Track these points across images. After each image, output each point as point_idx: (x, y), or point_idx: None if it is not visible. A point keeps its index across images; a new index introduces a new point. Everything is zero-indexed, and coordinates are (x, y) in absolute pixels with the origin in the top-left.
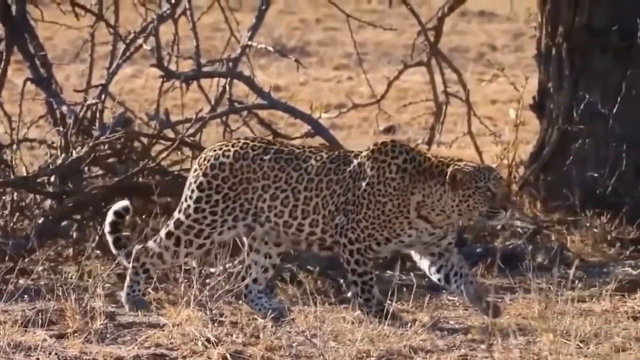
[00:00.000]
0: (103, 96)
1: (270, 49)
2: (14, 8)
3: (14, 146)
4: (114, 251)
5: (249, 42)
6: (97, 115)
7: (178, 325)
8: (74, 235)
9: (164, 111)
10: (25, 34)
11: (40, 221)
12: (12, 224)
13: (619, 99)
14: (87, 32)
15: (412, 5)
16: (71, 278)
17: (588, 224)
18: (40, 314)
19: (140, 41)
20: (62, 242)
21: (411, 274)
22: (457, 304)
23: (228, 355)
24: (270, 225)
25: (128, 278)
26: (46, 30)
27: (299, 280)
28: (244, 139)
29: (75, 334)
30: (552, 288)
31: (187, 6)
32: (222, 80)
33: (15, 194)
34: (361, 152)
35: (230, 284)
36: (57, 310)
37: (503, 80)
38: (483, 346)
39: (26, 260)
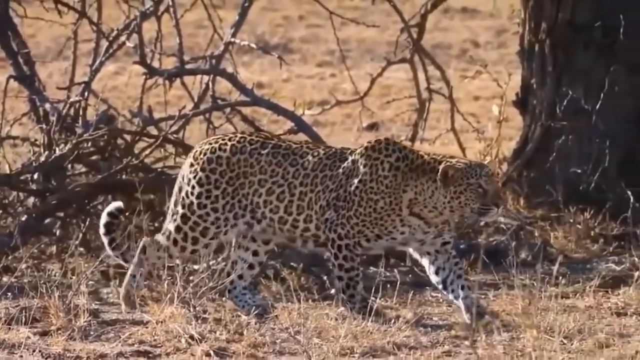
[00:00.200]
0: (86, 93)
1: (253, 46)
2: None
3: None
4: (109, 252)
5: (232, 39)
6: (80, 112)
7: (162, 322)
8: (58, 232)
9: (147, 108)
10: (8, 32)
11: (23, 219)
12: None
13: (602, 95)
14: (70, 30)
15: (395, 2)
16: (55, 275)
17: (571, 220)
18: (23, 311)
19: (123, 38)
20: (46, 239)
21: (395, 270)
22: (441, 300)
23: (212, 352)
24: (267, 222)
25: (131, 269)
26: (29, 28)
27: (282, 277)
28: (240, 133)
29: (59, 332)
30: (535, 284)
31: (170, 3)
32: (205, 78)
33: None
34: (357, 149)
35: (214, 281)
36: (41, 308)
37: (486, 76)
38: (467, 343)
39: (9, 257)
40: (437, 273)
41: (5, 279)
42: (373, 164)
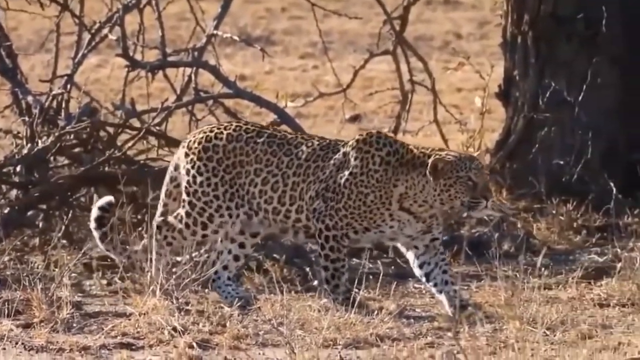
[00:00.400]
0: (69, 86)
1: (236, 38)
2: None
3: None
4: (100, 246)
5: (215, 32)
6: (63, 105)
7: (144, 314)
8: (40, 225)
9: (129, 101)
10: None
11: (6, 211)
12: None
13: (584, 87)
14: (53, 22)
15: None
16: (37, 268)
17: (554, 212)
18: (6, 303)
19: (105, 31)
20: (28, 232)
21: (378, 262)
22: (424, 292)
23: (194, 344)
24: (263, 214)
25: (155, 253)
26: (11, 20)
27: (265, 268)
28: (235, 122)
29: (42, 324)
30: (518, 275)
31: None
32: (188, 70)
33: None
34: (349, 141)
35: (197, 272)
36: (24, 300)
37: (469, 68)
38: (449, 334)
39: None
40: (421, 267)
41: None
42: (364, 157)
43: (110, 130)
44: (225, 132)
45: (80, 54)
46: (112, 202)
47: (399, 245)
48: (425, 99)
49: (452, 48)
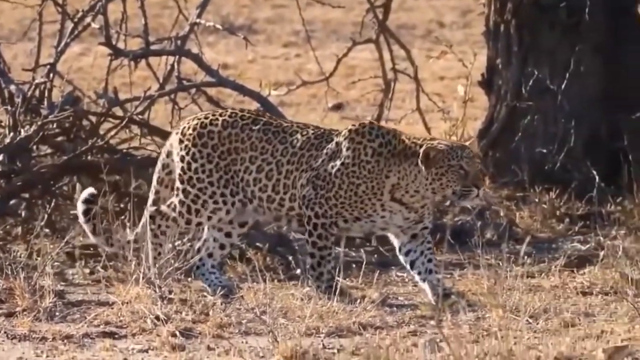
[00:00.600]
0: (51, 75)
1: (219, 26)
2: None
3: None
4: (91, 238)
5: (197, 20)
6: (46, 94)
7: (127, 303)
8: (23, 213)
9: (112, 89)
10: None
11: None
12: None
13: (567, 75)
14: (35, 11)
15: None
16: (20, 257)
17: (537, 200)
18: None
19: (88, 19)
20: (11, 220)
21: (361, 250)
22: (407, 280)
23: (177, 333)
24: (257, 202)
25: (149, 243)
26: None
27: (248, 257)
28: (231, 109)
29: (25, 313)
30: (501, 264)
31: None
32: (171, 58)
33: None
34: (342, 131)
35: (180, 261)
36: (6, 289)
37: (451, 56)
38: (432, 322)
39: None
40: (407, 254)
41: None
42: (356, 147)
43: (93, 119)
44: (220, 119)
45: (63, 43)
46: (94, 193)
47: (389, 233)
48: (408, 87)
49: (435, 36)
